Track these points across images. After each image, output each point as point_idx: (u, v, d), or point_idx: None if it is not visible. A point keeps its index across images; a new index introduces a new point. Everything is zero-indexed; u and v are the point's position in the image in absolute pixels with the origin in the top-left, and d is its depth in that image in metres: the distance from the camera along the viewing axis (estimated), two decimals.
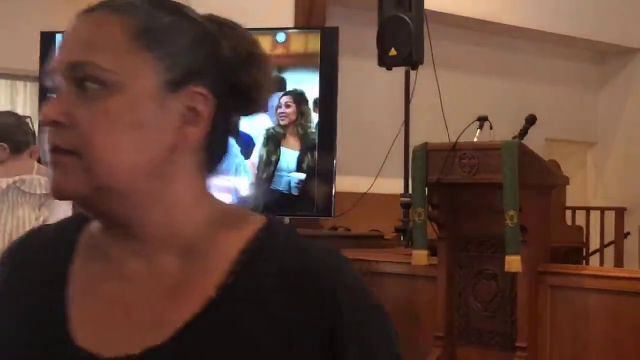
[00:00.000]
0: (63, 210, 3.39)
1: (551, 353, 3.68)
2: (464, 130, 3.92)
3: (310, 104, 4.42)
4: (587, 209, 8.37)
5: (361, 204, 5.28)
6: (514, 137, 3.88)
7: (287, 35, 4.59)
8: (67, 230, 1.08)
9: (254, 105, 1.10)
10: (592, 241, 8.25)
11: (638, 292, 3.47)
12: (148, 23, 1.02)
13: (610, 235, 8.34)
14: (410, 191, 4.71)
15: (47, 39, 4.72)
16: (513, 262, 3.51)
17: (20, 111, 7.68)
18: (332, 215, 4.45)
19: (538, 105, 6.93)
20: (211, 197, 1.06)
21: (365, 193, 5.31)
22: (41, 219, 3.25)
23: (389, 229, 5.23)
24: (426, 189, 3.84)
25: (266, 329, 0.97)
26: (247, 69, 1.10)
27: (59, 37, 4.70)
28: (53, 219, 3.39)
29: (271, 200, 4.43)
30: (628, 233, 8.41)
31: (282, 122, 4.44)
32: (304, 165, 4.41)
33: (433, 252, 3.92)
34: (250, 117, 1.13)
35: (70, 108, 0.98)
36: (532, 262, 3.63)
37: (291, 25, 6.14)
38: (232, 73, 1.08)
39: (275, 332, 0.97)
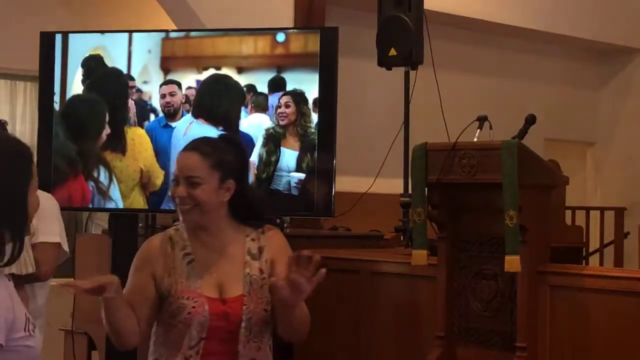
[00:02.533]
0: (50, 219, 3.41)
1: (551, 353, 3.68)
2: (463, 130, 3.91)
3: (310, 104, 4.42)
4: (587, 209, 8.38)
5: (361, 204, 5.28)
6: (514, 137, 3.87)
7: (287, 35, 4.59)
8: None
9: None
10: (591, 241, 8.26)
11: (638, 292, 3.47)
12: None
13: (609, 235, 8.34)
14: (410, 191, 4.70)
15: (47, 39, 4.72)
16: (513, 262, 3.51)
17: (20, 111, 7.70)
18: (332, 215, 4.45)
19: (538, 105, 6.93)
20: None
21: (365, 193, 5.31)
22: (31, 229, 3.26)
23: (388, 229, 5.23)
24: (426, 189, 3.84)
25: None
26: None
27: (58, 37, 4.70)
28: (43, 228, 3.40)
29: (271, 200, 4.43)
30: (628, 233, 8.41)
31: (281, 122, 4.44)
32: (304, 165, 4.41)
33: (433, 252, 3.92)
34: None
35: None
36: (531, 262, 3.63)
37: (291, 25, 6.14)
38: None
39: None
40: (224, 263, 2.67)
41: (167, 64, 4.63)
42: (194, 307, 2.60)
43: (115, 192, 4.58)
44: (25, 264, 3.35)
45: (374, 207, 5.58)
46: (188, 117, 4.55)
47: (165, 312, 2.65)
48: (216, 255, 2.68)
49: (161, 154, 4.55)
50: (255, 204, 2.79)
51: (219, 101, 4.54)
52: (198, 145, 2.72)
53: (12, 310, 2.04)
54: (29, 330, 2.08)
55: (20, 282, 3.20)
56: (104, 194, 4.59)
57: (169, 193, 2.79)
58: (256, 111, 4.49)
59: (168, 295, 2.64)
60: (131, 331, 2.61)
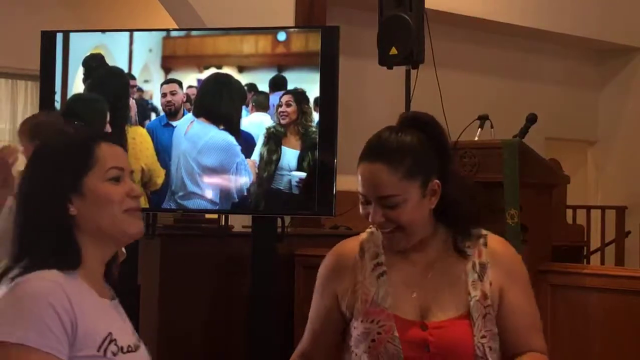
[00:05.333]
0: None
1: (552, 352, 3.67)
2: (464, 129, 3.92)
3: (311, 103, 4.42)
4: (588, 208, 8.38)
5: None
6: (515, 136, 3.88)
7: (288, 34, 4.59)
8: None
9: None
10: (592, 240, 8.26)
11: (639, 291, 3.47)
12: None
13: (611, 234, 8.34)
14: None
15: (47, 38, 4.72)
16: None
17: (21, 110, 7.70)
18: (333, 214, 4.45)
19: (539, 104, 6.93)
20: None
21: None
22: None
23: None
24: None
25: None
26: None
27: (59, 36, 4.70)
28: None
29: (272, 199, 4.44)
30: (629, 232, 8.41)
31: (282, 121, 4.44)
32: (305, 164, 4.41)
33: None
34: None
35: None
36: (533, 261, 3.63)
37: (292, 24, 6.14)
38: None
39: None
40: (433, 279, 2.07)
41: (168, 63, 4.63)
42: (379, 333, 2.03)
43: None
44: None
45: None
46: (189, 116, 4.54)
47: (350, 339, 2.10)
48: (420, 269, 2.09)
49: (162, 153, 4.54)
50: (465, 200, 2.12)
51: (220, 100, 4.54)
52: (381, 151, 2.06)
53: (70, 313, 1.67)
54: (104, 351, 1.70)
55: None
56: None
57: (361, 212, 2.10)
58: (257, 110, 4.49)
59: (350, 317, 2.10)
60: None
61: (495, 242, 2.12)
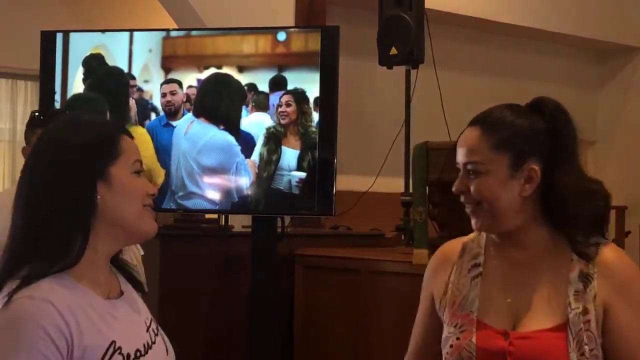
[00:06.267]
0: None
1: None
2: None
3: (311, 103, 4.42)
4: None
5: (362, 202, 5.28)
6: None
7: (288, 34, 4.59)
8: None
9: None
10: None
11: None
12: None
13: (610, 234, 8.34)
14: (410, 190, 4.71)
15: (47, 38, 4.72)
16: None
17: (20, 110, 7.70)
18: (333, 214, 4.45)
19: None
20: None
21: (366, 192, 5.31)
22: None
23: (389, 228, 5.23)
24: (427, 187, 3.84)
25: None
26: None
27: (59, 36, 4.70)
28: None
29: (272, 199, 4.43)
30: (629, 232, 8.41)
31: (282, 121, 4.44)
32: (305, 164, 4.41)
33: (434, 251, 3.92)
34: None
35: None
36: None
37: (292, 24, 6.14)
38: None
39: None
40: (531, 285, 1.89)
41: (168, 62, 4.63)
42: (457, 338, 1.90)
43: None
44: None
45: (375, 206, 5.58)
46: (189, 116, 4.54)
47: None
48: (519, 272, 1.92)
49: (162, 153, 4.54)
50: (580, 202, 1.88)
51: (219, 100, 4.54)
52: (482, 118, 2.00)
53: (65, 332, 1.57)
54: None
55: None
56: None
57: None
58: (257, 110, 4.49)
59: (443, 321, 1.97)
60: None
61: (608, 252, 1.90)
